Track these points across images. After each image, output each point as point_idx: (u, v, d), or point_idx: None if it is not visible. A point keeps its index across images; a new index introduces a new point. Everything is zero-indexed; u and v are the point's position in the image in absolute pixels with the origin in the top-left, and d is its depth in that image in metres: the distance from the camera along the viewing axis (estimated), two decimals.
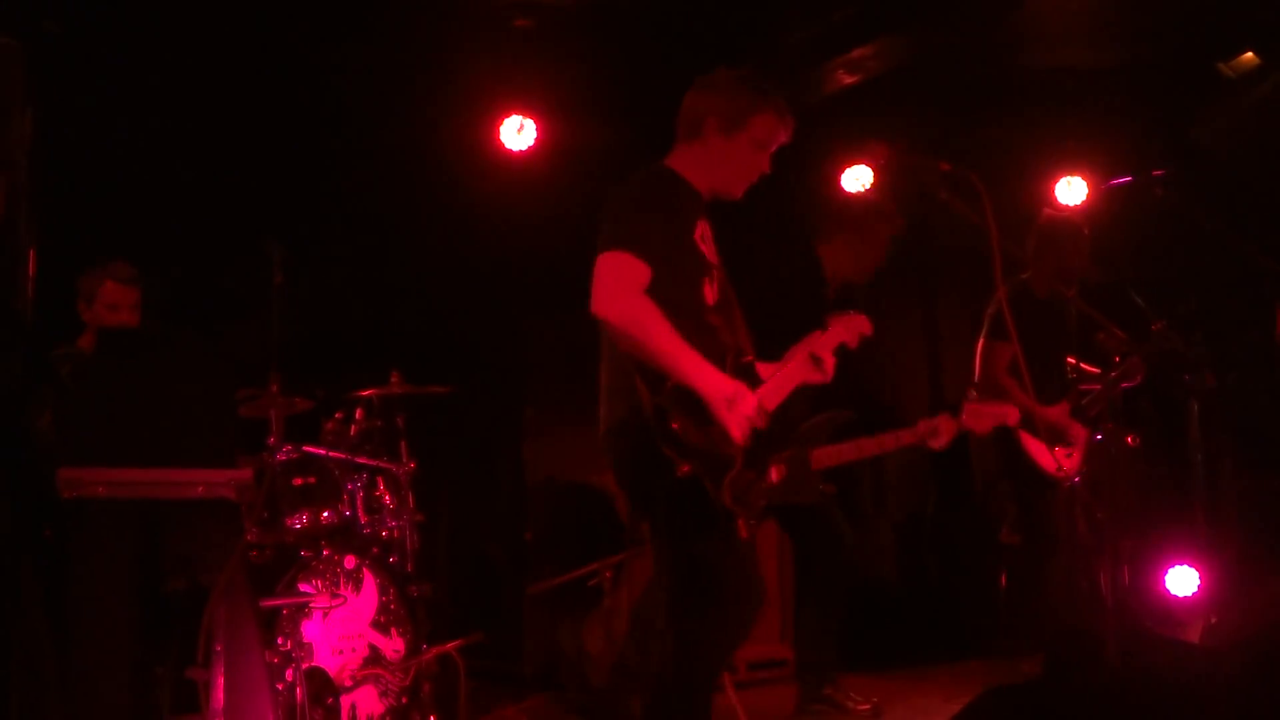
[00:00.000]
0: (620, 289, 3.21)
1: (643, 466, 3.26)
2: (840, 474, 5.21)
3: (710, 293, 3.45)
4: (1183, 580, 6.16)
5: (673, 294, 3.28)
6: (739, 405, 3.24)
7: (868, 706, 5.06)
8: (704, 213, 3.53)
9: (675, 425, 3.17)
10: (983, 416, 4.85)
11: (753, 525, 3.32)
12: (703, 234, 3.48)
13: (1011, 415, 4.91)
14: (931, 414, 4.87)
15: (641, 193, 3.39)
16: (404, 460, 4.96)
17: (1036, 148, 7.19)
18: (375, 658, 4.51)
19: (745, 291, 3.85)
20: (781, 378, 3.57)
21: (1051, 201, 6.82)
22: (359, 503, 4.76)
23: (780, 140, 3.62)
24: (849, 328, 3.83)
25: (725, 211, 3.66)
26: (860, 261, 5.20)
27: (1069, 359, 5.60)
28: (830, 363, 3.67)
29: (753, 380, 3.46)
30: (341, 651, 4.44)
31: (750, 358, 3.51)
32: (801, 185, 7.30)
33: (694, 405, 3.20)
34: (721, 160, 3.53)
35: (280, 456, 4.55)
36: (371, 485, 4.87)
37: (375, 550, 4.71)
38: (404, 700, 4.53)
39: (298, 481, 4.68)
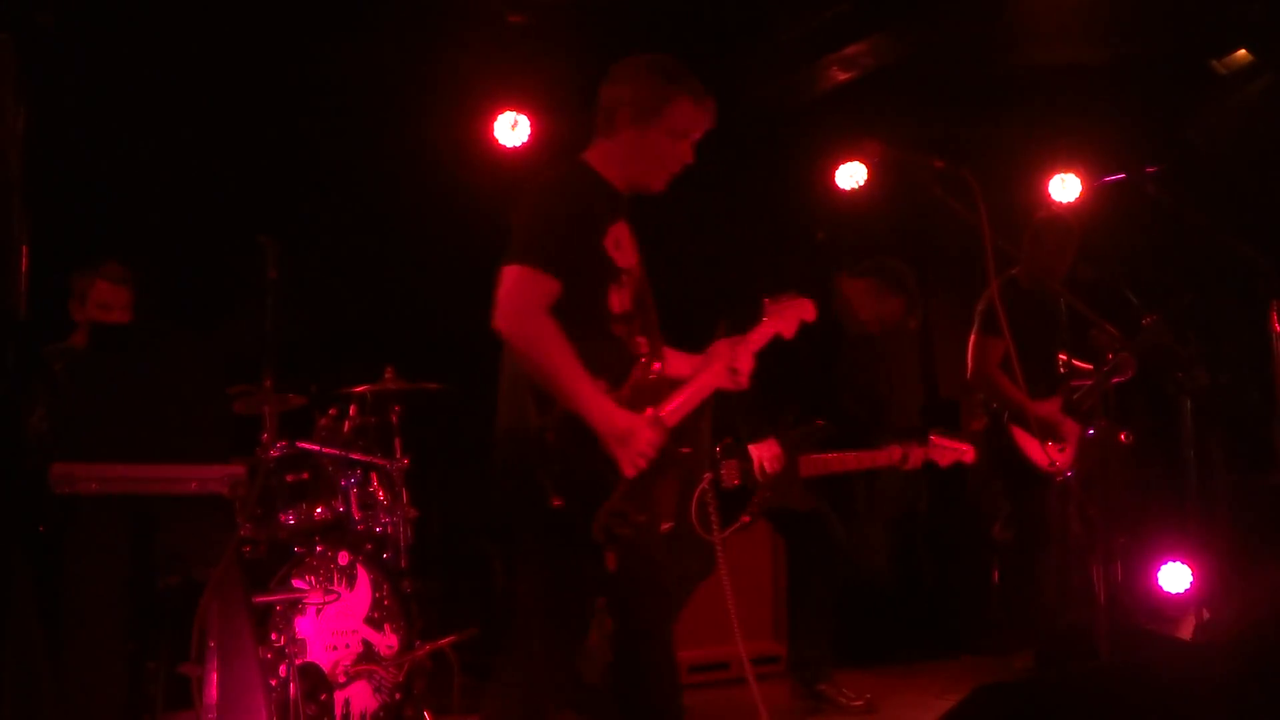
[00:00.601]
0: (523, 307, 3.10)
1: (517, 486, 3.17)
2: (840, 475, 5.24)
3: (618, 300, 3.29)
4: (1175, 577, 6.18)
5: (575, 303, 3.17)
6: (632, 441, 3.12)
7: (861, 702, 5.07)
8: (622, 212, 3.37)
9: (555, 452, 3.08)
10: (945, 451, 5.07)
11: (624, 557, 3.17)
12: (616, 237, 3.31)
13: (968, 455, 5.14)
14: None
15: (550, 198, 3.26)
16: (398, 456, 4.96)
17: (1030, 145, 7.20)
18: (369, 654, 4.50)
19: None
20: (691, 391, 3.41)
21: (1047, 200, 6.84)
22: (352, 499, 4.76)
23: (702, 127, 3.44)
24: (786, 316, 3.72)
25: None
26: (878, 309, 5.20)
27: (1061, 355, 5.62)
28: (748, 369, 3.53)
29: (661, 393, 3.32)
30: (335, 647, 4.44)
31: (658, 368, 3.35)
32: (796, 182, 7.32)
33: (581, 432, 3.09)
34: (637, 152, 3.37)
35: (274, 452, 4.55)
36: (365, 481, 4.87)
37: (369, 546, 4.71)
38: (397, 696, 4.53)
39: (291, 477, 4.68)
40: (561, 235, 3.18)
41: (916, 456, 5.02)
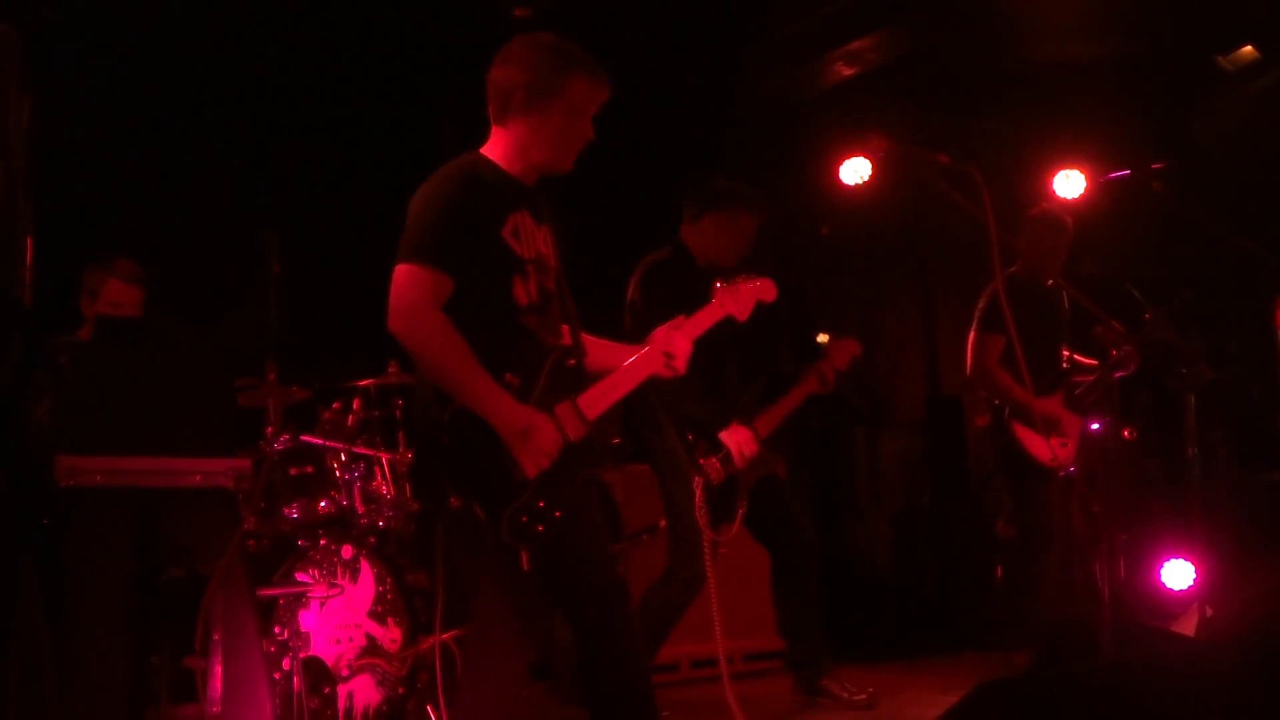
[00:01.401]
0: (414, 306, 3.05)
1: (425, 483, 3.17)
2: (838, 467, 5.25)
3: (524, 292, 3.21)
4: (1178, 573, 6.17)
5: (475, 298, 3.11)
6: (533, 438, 3.05)
7: (863, 697, 5.07)
8: (523, 202, 3.28)
9: (452, 450, 3.04)
10: (839, 350, 5.10)
11: (547, 555, 3.11)
12: (516, 227, 3.22)
13: (853, 346, 5.16)
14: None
15: (440, 194, 3.17)
16: (401, 450, 4.96)
17: (1034, 141, 7.20)
18: (372, 647, 4.51)
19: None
20: (617, 379, 3.33)
21: (1049, 195, 6.83)
22: (356, 492, 4.76)
23: (598, 101, 3.33)
24: (740, 297, 3.66)
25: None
26: (724, 245, 5.01)
27: (1064, 350, 5.63)
28: (684, 354, 3.45)
29: (579, 384, 3.26)
30: (338, 641, 4.44)
31: (574, 361, 3.28)
32: (800, 177, 7.32)
33: (480, 429, 3.03)
34: (538, 136, 3.27)
35: (278, 446, 4.55)
36: (369, 475, 4.87)
37: (372, 540, 4.71)
38: (400, 690, 4.53)
39: (295, 471, 4.68)
40: (450, 230, 3.11)
41: (826, 370, 5.04)
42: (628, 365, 3.39)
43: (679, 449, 4.76)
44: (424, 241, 3.10)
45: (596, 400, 3.26)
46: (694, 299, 3.74)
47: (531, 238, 3.27)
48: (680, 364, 3.46)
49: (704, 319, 3.62)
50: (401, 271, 3.09)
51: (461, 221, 3.14)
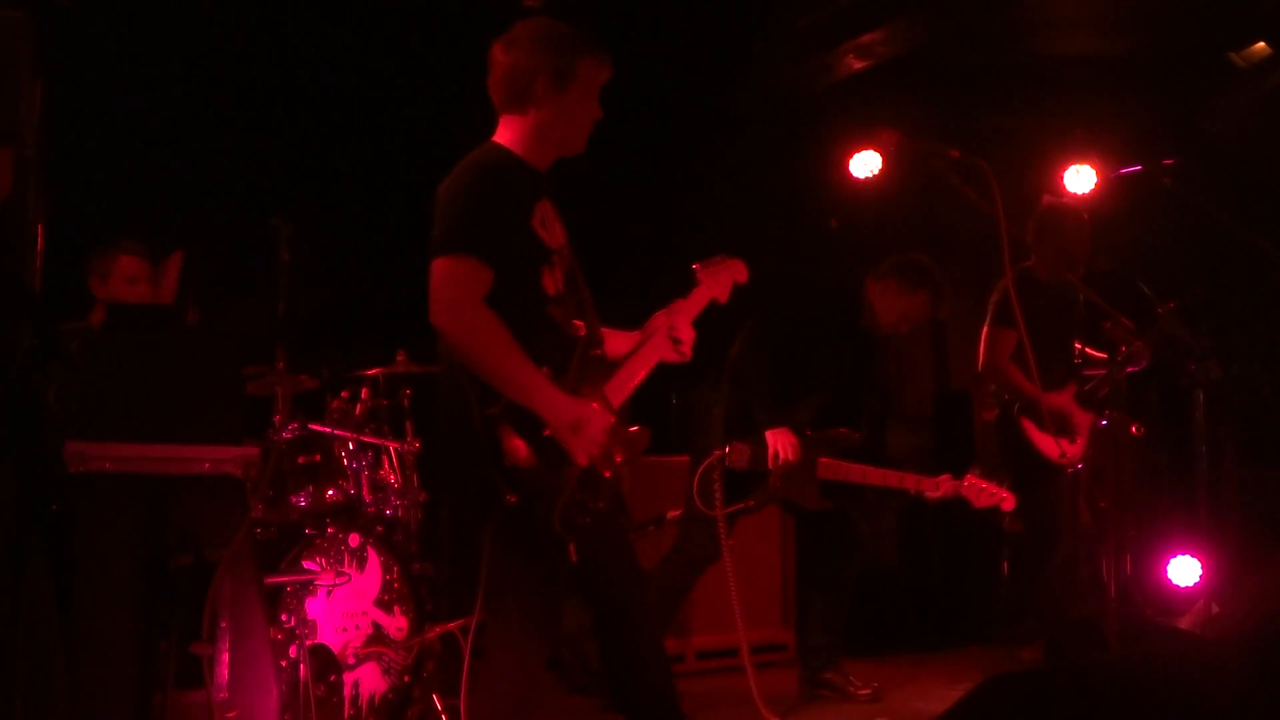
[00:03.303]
0: (460, 300, 3.03)
1: (468, 487, 3.11)
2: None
3: (551, 282, 3.20)
4: (1184, 570, 6.17)
5: (509, 289, 3.09)
6: (585, 429, 3.06)
7: (868, 691, 5.08)
8: (544, 192, 3.27)
9: (505, 446, 3.00)
10: (982, 493, 4.80)
11: (586, 546, 3.12)
12: (542, 217, 3.22)
13: (1008, 503, 4.82)
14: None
15: (473, 186, 3.15)
16: (409, 439, 4.97)
17: (1046, 135, 7.18)
18: (378, 636, 4.52)
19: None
20: (631, 367, 3.34)
21: (1054, 189, 6.82)
22: (364, 481, 4.77)
23: (605, 79, 3.33)
24: (719, 279, 3.65)
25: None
26: (903, 308, 5.11)
27: (1076, 344, 5.60)
28: (690, 338, 3.45)
29: (604, 373, 3.27)
30: (345, 629, 4.45)
31: (598, 350, 3.29)
32: (811, 170, 7.30)
33: (529, 422, 3.03)
34: (559, 118, 3.25)
35: (286, 434, 4.56)
36: (376, 464, 4.88)
37: (379, 529, 4.72)
38: (406, 678, 4.54)
39: (302, 459, 4.69)
40: (486, 222, 3.09)
41: (946, 489, 4.82)
42: (641, 353, 3.39)
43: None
44: (462, 233, 3.08)
45: (618, 389, 3.28)
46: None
47: (555, 226, 3.27)
48: (688, 349, 3.46)
49: (694, 303, 3.61)
50: (442, 265, 3.07)
51: (496, 212, 3.12)
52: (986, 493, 4.80)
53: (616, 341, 3.45)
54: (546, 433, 3.05)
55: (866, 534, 5.12)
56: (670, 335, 3.44)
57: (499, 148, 3.29)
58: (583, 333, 3.26)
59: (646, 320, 3.54)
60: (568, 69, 3.23)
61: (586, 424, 3.06)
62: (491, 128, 3.37)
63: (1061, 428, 5.41)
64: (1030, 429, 5.41)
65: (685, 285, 3.66)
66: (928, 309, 5.13)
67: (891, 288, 5.08)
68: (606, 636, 3.34)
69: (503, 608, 3.18)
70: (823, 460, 4.84)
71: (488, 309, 3.04)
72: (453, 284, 3.05)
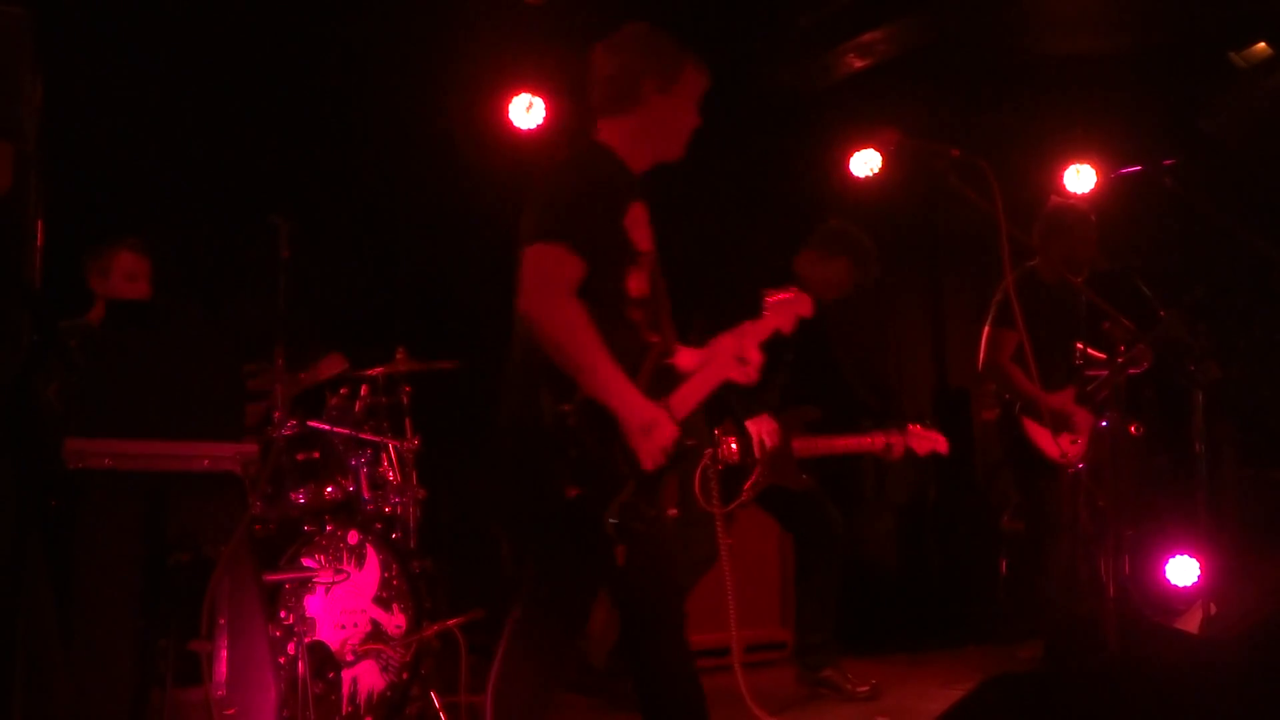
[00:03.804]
0: (552, 288, 3.01)
1: (528, 477, 3.11)
2: (843, 459, 5.26)
3: (635, 284, 3.20)
4: (1183, 570, 6.17)
5: (594, 285, 3.07)
6: (656, 434, 3.05)
7: (866, 689, 5.09)
8: (638, 194, 3.26)
9: (574, 439, 3.00)
10: (922, 440, 5.20)
11: (634, 552, 3.12)
12: (634, 219, 3.21)
13: (941, 445, 5.26)
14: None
15: (576, 175, 3.17)
16: (408, 436, 4.97)
17: (1046, 135, 7.18)
18: (377, 633, 4.52)
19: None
20: (698, 381, 3.33)
21: (1060, 189, 6.82)
22: (363, 478, 4.77)
23: (705, 88, 3.34)
24: (783, 312, 3.68)
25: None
26: (822, 275, 5.12)
27: (1078, 345, 5.60)
28: (757, 360, 3.46)
29: (672, 383, 3.27)
30: (343, 626, 4.46)
31: (671, 360, 3.30)
32: (811, 169, 7.31)
33: (601, 419, 3.02)
34: (662, 122, 3.28)
35: (285, 431, 4.56)
36: (375, 461, 4.88)
37: (378, 526, 4.73)
38: (405, 676, 4.54)
39: (301, 457, 4.69)
40: (583, 214, 3.08)
41: (898, 445, 5.14)
42: (708, 369, 3.38)
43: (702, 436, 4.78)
44: (559, 222, 3.06)
45: (683, 402, 3.26)
46: None
47: (645, 230, 3.27)
48: (754, 371, 3.46)
49: (762, 329, 3.61)
50: (536, 251, 3.05)
51: (593, 206, 3.11)
52: (924, 439, 5.19)
53: (684, 356, 3.45)
54: (615, 437, 3.04)
55: (839, 521, 5.13)
56: (738, 356, 3.44)
57: (600, 145, 3.29)
58: (658, 339, 3.28)
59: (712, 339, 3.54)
60: (673, 73, 3.26)
61: (657, 429, 3.06)
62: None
63: (1062, 427, 5.41)
64: (1031, 429, 5.41)
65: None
66: (850, 275, 5.13)
67: (812, 257, 5.11)
68: (638, 646, 3.31)
69: (540, 597, 3.18)
70: (796, 440, 4.93)
71: (579, 303, 3.03)
72: (543, 270, 3.04)
